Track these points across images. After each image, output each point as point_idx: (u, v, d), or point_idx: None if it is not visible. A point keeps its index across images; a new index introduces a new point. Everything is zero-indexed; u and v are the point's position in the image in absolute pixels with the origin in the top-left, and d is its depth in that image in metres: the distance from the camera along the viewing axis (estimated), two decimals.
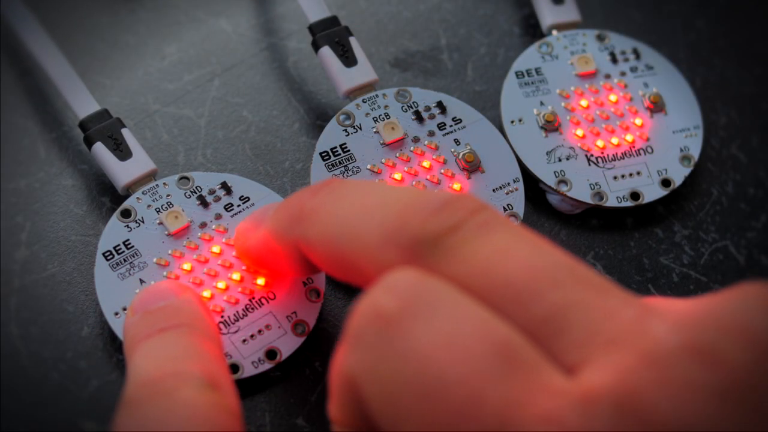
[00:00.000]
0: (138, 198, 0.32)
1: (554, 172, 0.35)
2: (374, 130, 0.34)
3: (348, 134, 0.34)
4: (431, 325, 0.20)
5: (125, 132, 0.33)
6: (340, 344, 0.22)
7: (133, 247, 0.31)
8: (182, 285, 0.30)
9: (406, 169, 0.33)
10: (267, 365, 0.30)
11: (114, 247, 0.31)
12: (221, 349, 0.28)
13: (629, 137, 0.36)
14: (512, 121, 0.35)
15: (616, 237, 0.35)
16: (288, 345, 0.31)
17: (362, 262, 0.23)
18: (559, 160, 0.35)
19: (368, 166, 0.33)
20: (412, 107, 0.34)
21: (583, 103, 0.36)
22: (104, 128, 0.33)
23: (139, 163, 0.32)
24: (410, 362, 0.19)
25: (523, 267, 0.21)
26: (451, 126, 0.34)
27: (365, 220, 0.23)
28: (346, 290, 0.33)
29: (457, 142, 0.34)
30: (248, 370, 0.30)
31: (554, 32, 0.38)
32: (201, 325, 0.27)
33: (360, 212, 0.23)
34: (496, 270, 0.21)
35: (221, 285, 0.31)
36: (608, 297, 0.20)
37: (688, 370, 0.18)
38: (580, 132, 0.35)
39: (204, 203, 0.32)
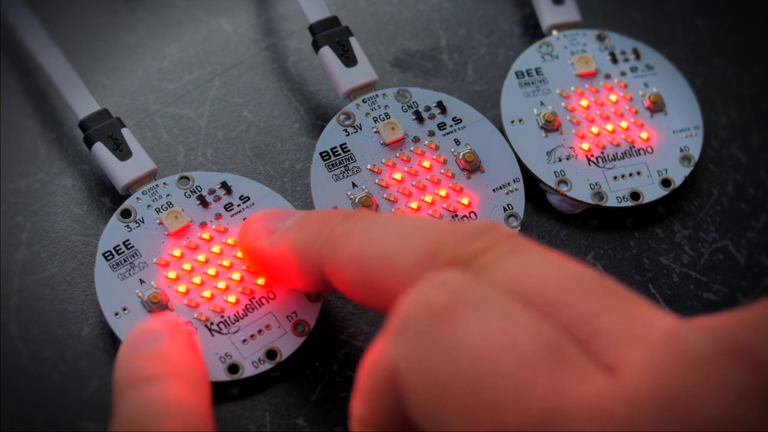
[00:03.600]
0: (138, 198, 0.32)
1: (554, 172, 0.35)
2: (374, 130, 0.34)
3: (348, 134, 0.34)
4: (482, 318, 0.20)
5: (125, 132, 0.33)
6: (380, 337, 0.22)
7: (133, 247, 0.31)
8: (175, 324, 0.29)
9: (406, 169, 0.33)
10: (267, 365, 0.30)
11: (114, 247, 0.31)
12: (207, 398, 0.27)
13: (629, 137, 0.36)
14: (512, 121, 0.35)
15: (616, 237, 0.35)
16: (288, 345, 0.31)
17: (395, 283, 0.23)
18: (559, 160, 0.35)
19: (368, 166, 0.33)
20: (412, 107, 0.34)
21: (583, 103, 0.36)
22: (104, 128, 0.33)
23: (139, 162, 0.32)
24: (461, 352, 0.20)
25: (553, 278, 0.21)
26: (451, 126, 0.34)
27: (401, 243, 0.24)
28: None
29: (457, 142, 0.34)
30: (248, 370, 0.30)
31: (554, 32, 0.38)
32: (188, 374, 0.27)
33: (395, 236, 0.24)
34: (527, 281, 0.22)
35: (221, 285, 0.31)
36: (637, 307, 0.21)
37: (726, 372, 0.19)
38: (580, 132, 0.35)
39: (204, 203, 0.32)
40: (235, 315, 0.31)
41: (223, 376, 0.30)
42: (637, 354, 0.20)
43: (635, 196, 0.35)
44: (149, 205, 0.32)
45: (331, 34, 0.35)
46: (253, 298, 0.31)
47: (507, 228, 0.23)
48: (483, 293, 0.21)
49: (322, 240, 0.26)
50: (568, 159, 0.35)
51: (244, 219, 0.32)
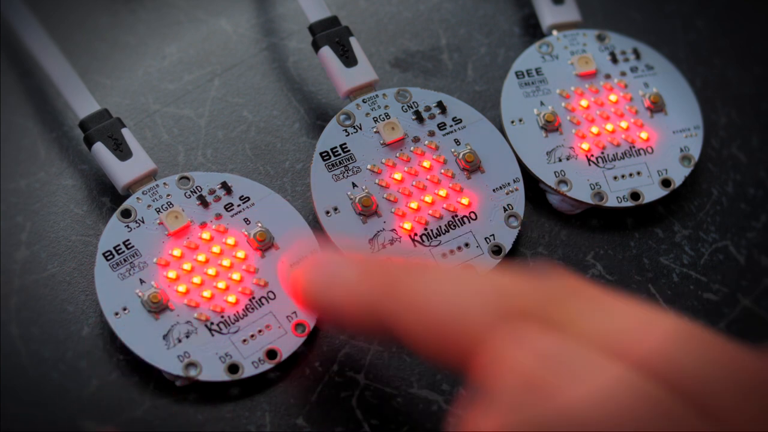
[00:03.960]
0: (138, 198, 0.32)
1: (554, 172, 0.35)
2: (374, 130, 0.34)
3: (348, 134, 0.34)
4: (578, 383, 0.21)
5: (125, 132, 0.33)
6: (473, 408, 0.23)
7: (133, 247, 0.31)
8: None
9: (406, 169, 0.33)
10: (267, 365, 0.30)
11: (114, 247, 0.31)
12: None
13: (629, 137, 0.36)
14: (512, 121, 0.35)
15: (616, 237, 0.35)
16: (288, 345, 0.31)
17: (465, 335, 0.24)
18: (559, 160, 0.35)
19: (368, 166, 0.33)
20: (412, 107, 0.34)
21: (583, 103, 0.36)
22: (104, 128, 0.33)
23: (139, 163, 0.32)
24: (567, 420, 0.21)
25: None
26: (451, 126, 0.34)
27: (469, 297, 0.24)
28: None
29: (457, 142, 0.34)
30: (248, 370, 0.30)
31: (554, 32, 0.38)
32: None
33: (461, 288, 0.25)
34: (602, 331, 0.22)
35: (221, 285, 0.31)
36: None
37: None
38: (580, 132, 0.35)
39: (204, 203, 0.32)
40: (235, 315, 0.31)
41: (223, 376, 0.30)
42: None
43: (635, 196, 0.35)
44: (149, 205, 0.32)
45: (331, 34, 0.35)
46: (253, 298, 0.31)
47: (564, 271, 0.24)
48: (569, 351, 0.21)
49: (386, 295, 0.26)
50: (568, 159, 0.35)
51: (244, 219, 0.32)
